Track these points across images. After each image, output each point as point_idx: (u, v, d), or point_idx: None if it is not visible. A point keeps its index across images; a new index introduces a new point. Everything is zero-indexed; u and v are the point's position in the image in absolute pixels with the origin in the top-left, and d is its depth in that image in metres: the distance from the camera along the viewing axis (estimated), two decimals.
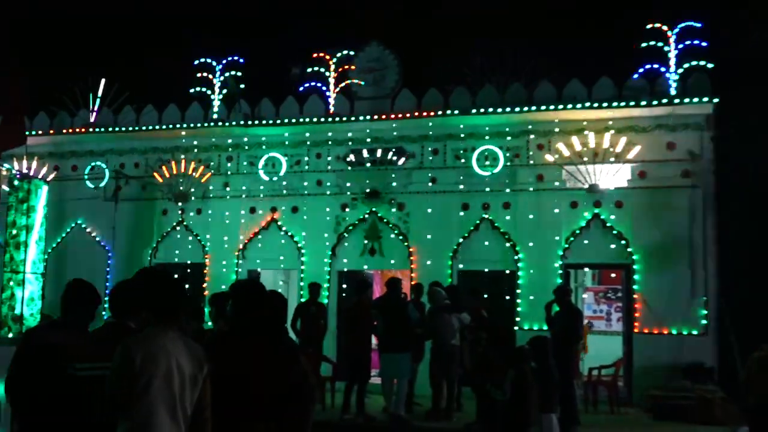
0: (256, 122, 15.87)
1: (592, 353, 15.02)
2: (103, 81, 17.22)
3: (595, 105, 14.02)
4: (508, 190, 14.71)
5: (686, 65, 13.92)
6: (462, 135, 15.10)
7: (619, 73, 14.35)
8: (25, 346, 5.42)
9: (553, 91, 14.57)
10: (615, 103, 13.93)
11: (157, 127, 16.51)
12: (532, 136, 14.74)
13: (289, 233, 15.87)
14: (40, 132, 17.01)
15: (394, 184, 15.28)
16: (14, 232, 13.59)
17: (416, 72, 16.51)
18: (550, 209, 14.43)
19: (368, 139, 15.58)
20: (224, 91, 16.35)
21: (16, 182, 13.36)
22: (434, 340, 11.79)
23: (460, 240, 14.86)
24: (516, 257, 14.50)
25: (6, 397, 5.31)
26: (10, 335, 12.97)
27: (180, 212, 16.51)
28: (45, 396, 5.04)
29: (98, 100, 17.17)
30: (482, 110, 14.63)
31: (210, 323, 8.06)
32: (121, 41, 23.42)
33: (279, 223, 15.96)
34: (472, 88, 15.17)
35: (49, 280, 16.08)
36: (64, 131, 17.08)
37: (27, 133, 16.48)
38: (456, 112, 14.82)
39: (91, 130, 16.88)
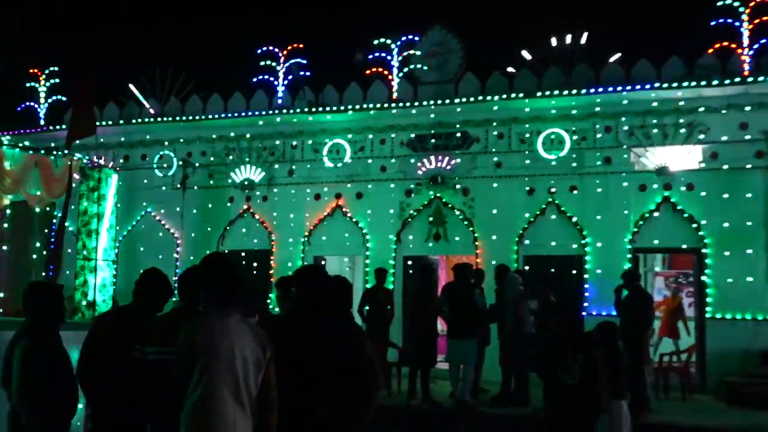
0: (320, 109, 15.91)
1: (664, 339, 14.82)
2: (170, 71, 17.49)
3: (665, 85, 13.62)
4: (574, 174, 14.48)
5: (760, 42, 13.45)
6: (527, 118, 14.91)
7: (690, 52, 13.96)
8: (96, 331, 5.53)
9: (620, 71, 14.25)
10: (685, 83, 13.53)
11: (223, 115, 16.70)
12: (599, 118, 14.47)
13: (354, 219, 15.92)
14: (110, 122, 17.38)
15: (459, 168, 15.18)
16: (86, 220, 13.90)
17: (479, 56, 16.33)
18: (618, 192, 14.15)
19: (432, 124, 15.50)
20: (288, 78, 16.41)
21: (87, 171, 13.65)
22: (515, 326, 11.63)
23: (526, 224, 14.70)
24: (583, 241, 14.28)
25: (78, 382, 5.44)
26: (83, 321, 13.29)
27: (246, 199, 16.70)
28: (115, 379, 5.14)
29: (166, 90, 17.44)
30: (548, 92, 14.38)
31: (277, 309, 8.12)
32: (187, 31, 23.78)
33: (344, 209, 16.02)
34: (537, 70, 14.94)
35: (120, 267, 16.46)
36: (133, 121, 17.41)
37: (97, 123, 16.83)
38: (521, 95, 14.61)
39: (159, 119, 17.16)
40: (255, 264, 16.30)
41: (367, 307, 12.85)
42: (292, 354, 4.64)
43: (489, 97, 14.81)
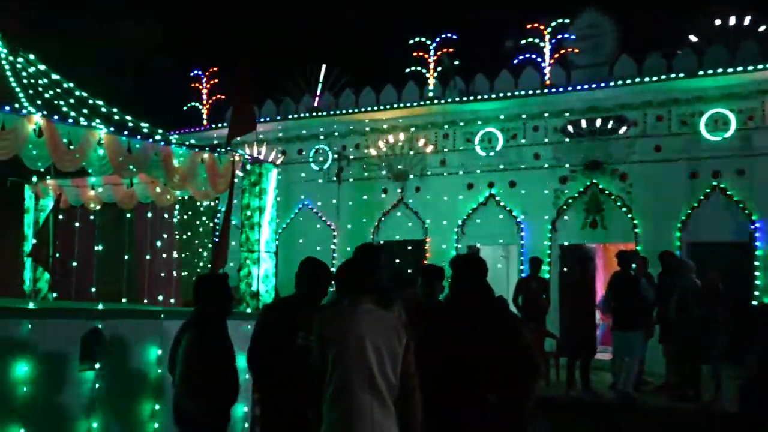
0: (471, 98, 15.84)
1: None
2: (324, 67, 17.93)
3: None
4: (741, 156, 13.72)
5: None
6: (688, 99, 14.24)
7: None
8: (263, 320, 5.74)
9: None
10: None
11: (375, 108, 16.92)
12: None
13: (508, 208, 15.76)
14: (267, 119, 18.00)
15: (616, 154, 14.72)
16: (248, 213, 14.39)
17: (635, 36, 15.76)
18: None
19: (586, 109, 15.09)
20: (439, 68, 16.45)
21: (248, 167, 14.17)
22: (697, 317, 11.13)
23: (689, 210, 14.08)
24: (752, 227, 13.52)
25: (248, 368, 5.67)
26: (249, 311, 13.82)
27: (399, 191, 16.87)
28: (282, 366, 5.31)
29: (320, 86, 17.91)
30: (710, 71, 13.69)
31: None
32: (339, 27, 24.24)
33: (497, 198, 15.89)
34: (699, 49, 14.24)
35: (281, 259, 17.01)
36: (290, 117, 17.95)
37: (256, 120, 17.49)
38: (681, 75, 13.98)
39: (314, 114, 17.62)
40: (409, 254, 16.44)
41: (521, 297, 12.71)
42: (450, 343, 4.63)
43: (646, 79, 14.27)
